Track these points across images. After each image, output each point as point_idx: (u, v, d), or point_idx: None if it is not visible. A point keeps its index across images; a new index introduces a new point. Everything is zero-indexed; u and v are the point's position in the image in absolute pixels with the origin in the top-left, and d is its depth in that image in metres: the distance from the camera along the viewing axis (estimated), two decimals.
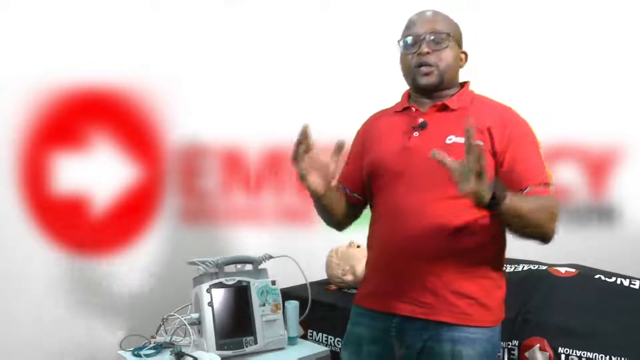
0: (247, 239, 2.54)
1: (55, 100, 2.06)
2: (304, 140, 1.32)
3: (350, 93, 2.02)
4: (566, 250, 2.05)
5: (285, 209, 2.70)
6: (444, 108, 1.47)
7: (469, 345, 1.37)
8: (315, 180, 1.36)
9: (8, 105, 1.96)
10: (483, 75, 2.20)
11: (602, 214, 2.16)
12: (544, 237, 1.37)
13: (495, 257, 1.45)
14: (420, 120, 1.47)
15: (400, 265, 1.43)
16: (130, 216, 2.27)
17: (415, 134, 1.46)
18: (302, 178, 1.35)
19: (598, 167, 2.15)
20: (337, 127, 1.66)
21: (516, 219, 1.32)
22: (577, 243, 2.13)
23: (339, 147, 1.34)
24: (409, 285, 1.40)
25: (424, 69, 1.45)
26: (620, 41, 2.11)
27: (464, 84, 1.54)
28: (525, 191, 1.36)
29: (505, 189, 1.31)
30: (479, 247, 1.41)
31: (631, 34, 2.10)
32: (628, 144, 2.10)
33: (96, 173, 2.15)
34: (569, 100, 2.19)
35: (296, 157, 1.33)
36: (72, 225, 2.11)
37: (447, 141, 1.41)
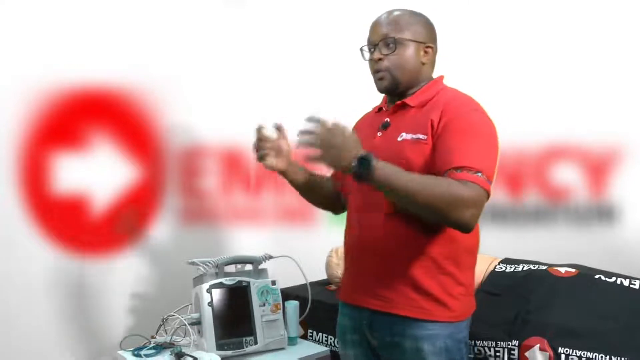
0: (247, 239, 2.54)
1: (55, 100, 2.05)
2: (262, 144, 1.61)
3: (350, 93, 2.02)
4: (566, 250, 2.05)
5: (285, 209, 2.70)
6: (404, 106, 1.51)
7: (430, 342, 1.42)
8: (273, 160, 1.62)
9: (8, 105, 1.96)
10: (484, 75, 2.22)
11: (602, 214, 2.16)
12: (447, 221, 1.32)
13: (455, 253, 1.45)
14: (385, 119, 1.53)
15: (364, 262, 1.51)
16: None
17: (379, 133, 1.52)
18: (261, 159, 1.61)
19: (598, 167, 2.15)
20: None
21: (388, 191, 1.31)
22: (577, 243, 2.13)
23: (278, 129, 1.64)
24: (373, 281, 1.47)
25: (378, 74, 1.51)
26: (620, 41, 2.11)
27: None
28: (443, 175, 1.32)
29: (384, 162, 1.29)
30: (435, 243, 1.43)
31: (631, 34, 2.10)
32: (628, 144, 2.10)
33: (96, 173, 2.15)
34: (569, 100, 2.19)
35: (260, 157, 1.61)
36: (72, 226, 2.11)
37: (399, 139, 1.45)
